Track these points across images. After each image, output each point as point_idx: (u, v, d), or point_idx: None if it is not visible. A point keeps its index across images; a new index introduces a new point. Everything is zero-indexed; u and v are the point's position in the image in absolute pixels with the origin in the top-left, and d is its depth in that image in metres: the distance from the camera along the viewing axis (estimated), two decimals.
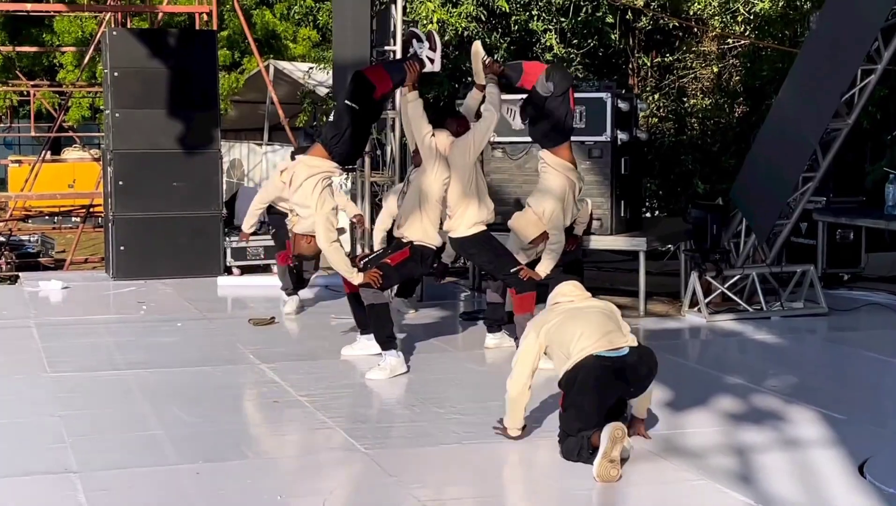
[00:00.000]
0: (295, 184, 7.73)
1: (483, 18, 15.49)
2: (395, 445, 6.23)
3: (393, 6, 10.91)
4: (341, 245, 7.72)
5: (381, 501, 5.33)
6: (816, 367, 8.33)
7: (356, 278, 7.70)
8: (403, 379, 7.66)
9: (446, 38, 15.33)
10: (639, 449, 6.01)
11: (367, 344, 8.14)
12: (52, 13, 21.93)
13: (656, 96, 18.44)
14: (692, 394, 7.21)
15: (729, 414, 6.76)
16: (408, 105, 7.99)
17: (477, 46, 8.47)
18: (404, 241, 7.99)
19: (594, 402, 5.71)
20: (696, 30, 18.13)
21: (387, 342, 7.74)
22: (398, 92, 8.52)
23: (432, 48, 7.98)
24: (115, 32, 12.69)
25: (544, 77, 8.43)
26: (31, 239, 20.82)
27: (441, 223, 8.15)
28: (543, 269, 8.28)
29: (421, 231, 7.93)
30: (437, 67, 8.06)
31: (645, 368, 5.91)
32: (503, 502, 5.51)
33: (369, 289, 7.70)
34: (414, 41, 8.02)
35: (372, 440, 6.20)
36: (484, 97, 8.30)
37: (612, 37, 17.21)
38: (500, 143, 10.20)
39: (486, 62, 8.33)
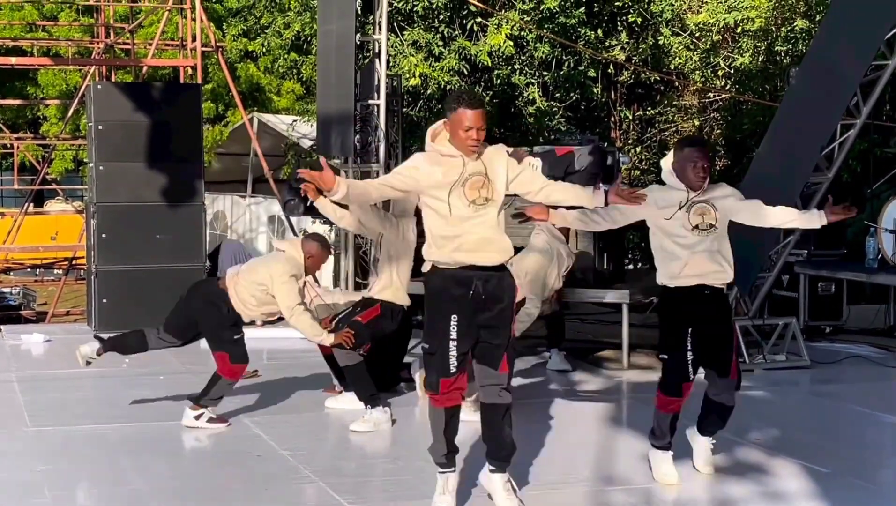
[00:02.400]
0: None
1: (465, 72, 15.60)
2: (378, 499, 6.20)
3: (377, 60, 10.99)
4: (307, 308, 7.71)
5: None
6: (799, 420, 8.33)
7: (327, 340, 7.66)
8: (386, 432, 7.64)
9: (429, 91, 15.44)
10: (622, 502, 6.00)
11: (352, 398, 8.10)
12: (36, 66, 21.99)
13: (638, 149, 18.59)
14: (676, 447, 7.19)
15: (712, 466, 6.74)
16: (354, 216, 7.88)
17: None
18: (375, 298, 7.96)
19: None
20: (677, 84, 18.29)
21: (370, 400, 7.72)
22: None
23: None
24: (99, 86, 12.73)
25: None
26: (13, 291, 20.69)
27: None
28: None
29: (391, 292, 7.92)
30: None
31: None
32: None
33: (342, 350, 7.68)
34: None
35: (355, 495, 6.17)
36: None
37: (594, 90, 17.36)
38: None
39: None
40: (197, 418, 7.69)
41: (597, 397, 8.84)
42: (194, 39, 15.87)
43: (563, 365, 9.69)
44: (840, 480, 6.48)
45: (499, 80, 16.01)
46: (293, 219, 14.82)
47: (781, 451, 7.08)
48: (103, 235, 12.02)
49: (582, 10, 16.13)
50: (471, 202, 5.46)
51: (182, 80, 16.34)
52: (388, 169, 11.08)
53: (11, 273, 22.26)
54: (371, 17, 11.34)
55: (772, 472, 6.63)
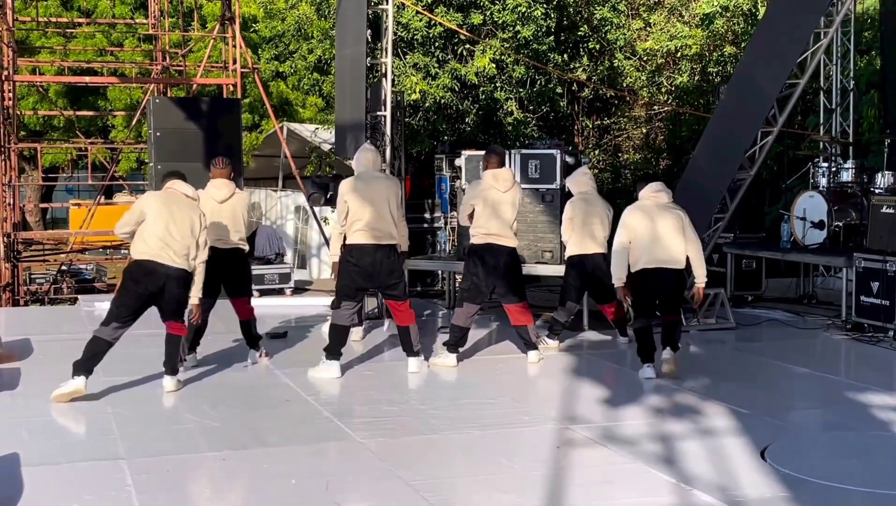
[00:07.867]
0: None
1: (456, 89, 15.56)
2: (385, 435, 6.20)
3: (384, 79, 10.95)
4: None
5: (373, 482, 5.32)
6: (726, 371, 8.35)
7: None
8: (392, 381, 7.65)
9: (426, 105, 15.41)
10: (582, 438, 6.03)
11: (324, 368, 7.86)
12: (106, 84, 21.91)
13: (596, 152, 18.58)
14: (626, 392, 7.23)
15: (655, 408, 6.78)
16: None
17: None
18: None
19: None
20: (628, 99, 18.26)
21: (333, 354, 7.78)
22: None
23: None
24: (157, 100, 12.68)
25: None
26: (88, 268, 20.68)
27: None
28: None
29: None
30: None
31: None
32: (470, 482, 5.47)
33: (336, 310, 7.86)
34: None
35: (365, 431, 6.19)
36: None
37: (561, 104, 17.33)
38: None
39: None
40: (262, 355, 8.37)
41: (561, 352, 8.85)
42: (235, 62, 15.79)
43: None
44: (758, 419, 6.51)
45: (483, 96, 15.98)
46: (315, 208, 14.81)
47: (711, 396, 7.10)
48: None
49: (551, 38, 16.10)
50: None
51: (225, 96, 16.27)
52: (392, 168, 11.06)
53: (87, 253, 22.17)
54: (379, 44, 11.28)
55: (703, 412, 6.66)
